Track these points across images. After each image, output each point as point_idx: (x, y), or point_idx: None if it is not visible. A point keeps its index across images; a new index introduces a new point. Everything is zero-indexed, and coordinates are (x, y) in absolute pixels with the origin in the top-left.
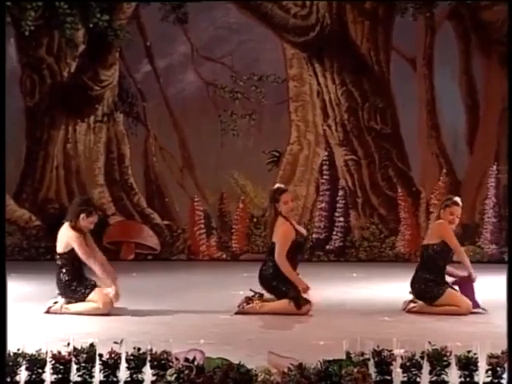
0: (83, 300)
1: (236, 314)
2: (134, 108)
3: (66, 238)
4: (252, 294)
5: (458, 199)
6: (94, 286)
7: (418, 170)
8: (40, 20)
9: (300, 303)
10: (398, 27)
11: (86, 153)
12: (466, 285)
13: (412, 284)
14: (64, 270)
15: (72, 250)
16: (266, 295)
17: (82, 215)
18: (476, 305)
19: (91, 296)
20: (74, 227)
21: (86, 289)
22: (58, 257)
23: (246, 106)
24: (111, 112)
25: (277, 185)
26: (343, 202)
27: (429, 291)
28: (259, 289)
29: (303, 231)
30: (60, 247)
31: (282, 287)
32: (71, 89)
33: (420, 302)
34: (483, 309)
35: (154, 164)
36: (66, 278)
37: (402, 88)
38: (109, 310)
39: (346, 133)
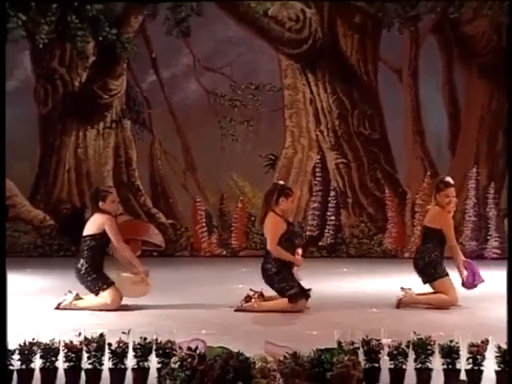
0: (97, 294)
1: (235, 311)
2: (140, 115)
3: (98, 220)
4: (252, 293)
5: (448, 179)
6: (111, 283)
7: (404, 173)
8: (53, 34)
9: (297, 298)
10: (385, 40)
11: (95, 157)
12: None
13: (416, 261)
14: (86, 255)
15: (100, 234)
16: (266, 294)
17: (100, 203)
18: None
19: (104, 293)
20: (104, 211)
21: (104, 284)
22: (83, 240)
23: (244, 113)
24: (119, 119)
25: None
26: (334, 201)
27: (432, 270)
28: (259, 287)
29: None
30: (89, 229)
31: (283, 283)
32: (82, 97)
33: (410, 292)
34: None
35: (158, 167)
36: (86, 266)
37: (389, 96)
38: (117, 307)
39: (337, 138)
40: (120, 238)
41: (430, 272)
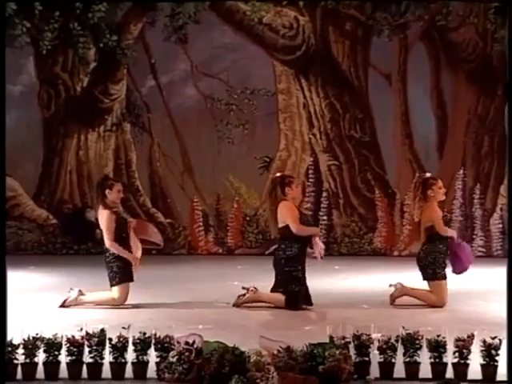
0: (113, 284)
1: (234, 306)
2: (139, 119)
3: (101, 215)
4: (244, 291)
5: (429, 174)
6: (128, 279)
7: (393, 174)
8: (56, 40)
9: (292, 304)
10: (375, 47)
11: (96, 159)
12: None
13: (421, 258)
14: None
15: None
16: (260, 289)
17: (106, 191)
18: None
19: (114, 288)
20: (106, 206)
21: (121, 278)
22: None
23: (239, 117)
24: (119, 122)
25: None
26: (327, 202)
27: (435, 269)
28: (253, 284)
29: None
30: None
31: (288, 277)
32: (83, 102)
33: (399, 286)
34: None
35: (157, 169)
36: (112, 255)
37: (379, 101)
38: (122, 303)
39: (329, 141)
40: (109, 234)
41: (432, 271)
